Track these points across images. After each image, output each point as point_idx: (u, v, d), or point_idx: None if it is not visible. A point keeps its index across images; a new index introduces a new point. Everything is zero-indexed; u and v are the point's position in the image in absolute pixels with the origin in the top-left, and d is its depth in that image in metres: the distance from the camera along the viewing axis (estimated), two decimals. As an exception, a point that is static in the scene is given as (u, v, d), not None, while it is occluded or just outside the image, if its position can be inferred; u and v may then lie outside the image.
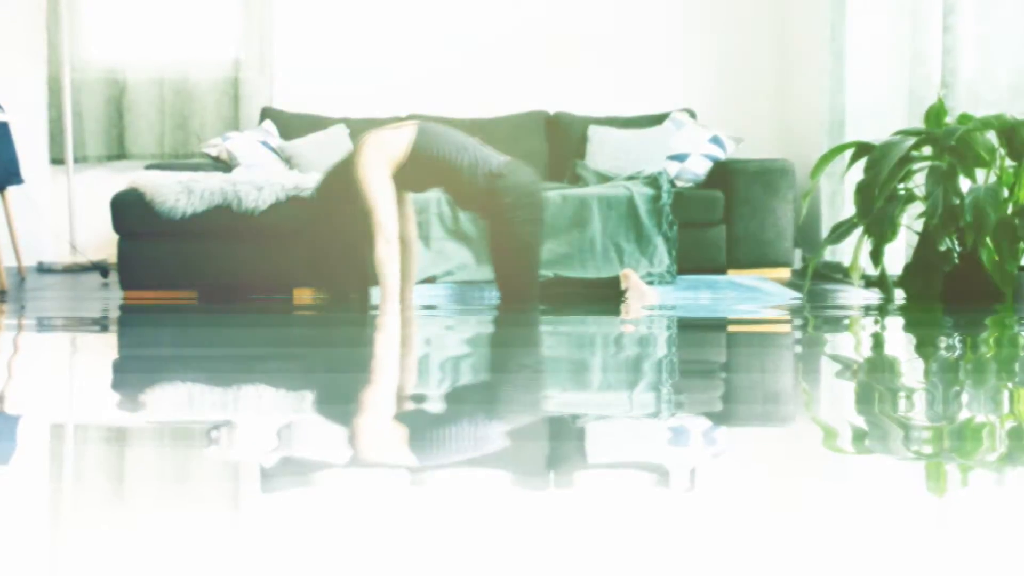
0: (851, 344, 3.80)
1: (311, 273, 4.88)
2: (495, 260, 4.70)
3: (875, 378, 3.07)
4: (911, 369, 3.26)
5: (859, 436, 2.36)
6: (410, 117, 6.54)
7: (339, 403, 2.75)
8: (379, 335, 4.14)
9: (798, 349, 3.74)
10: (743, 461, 2.20)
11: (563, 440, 2.36)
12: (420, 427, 2.50)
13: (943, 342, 3.75)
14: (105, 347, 4.01)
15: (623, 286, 4.76)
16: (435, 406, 2.73)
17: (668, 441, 2.33)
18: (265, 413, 2.65)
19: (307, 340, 4.10)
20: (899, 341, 3.94)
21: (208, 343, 3.96)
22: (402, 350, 3.72)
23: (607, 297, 4.76)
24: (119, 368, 3.44)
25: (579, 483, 2.03)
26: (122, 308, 4.87)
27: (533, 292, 4.68)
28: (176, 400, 2.83)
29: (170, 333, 4.31)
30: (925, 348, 3.66)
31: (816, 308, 4.60)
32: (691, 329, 4.18)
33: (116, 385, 3.10)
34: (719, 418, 2.56)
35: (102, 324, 4.52)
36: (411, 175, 4.58)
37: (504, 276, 4.69)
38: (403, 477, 2.07)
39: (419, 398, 2.86)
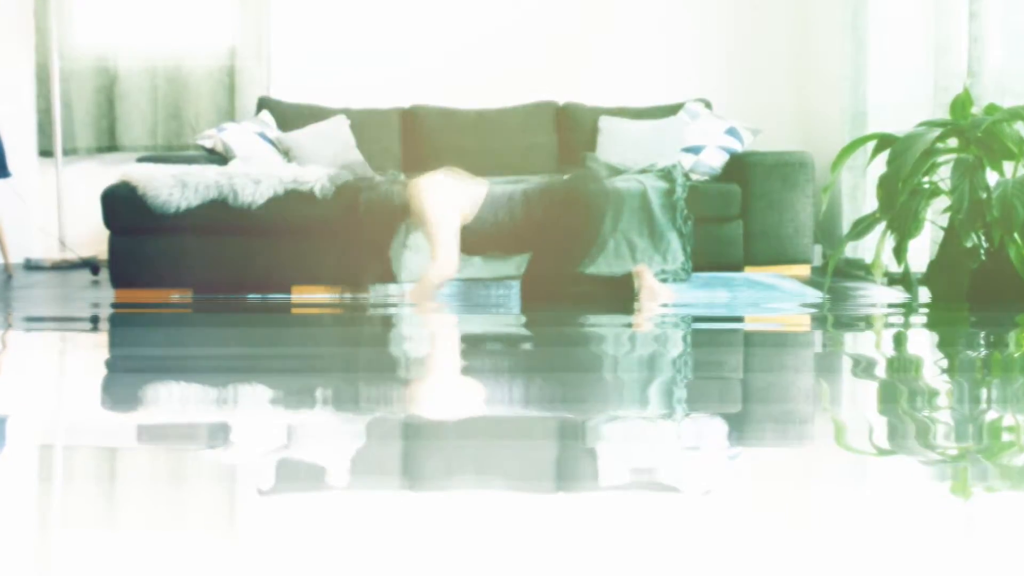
0: (876, 350, 3.81)
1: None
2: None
3: (900, 382, 3.08)
4: (940, 379, 3.27)
5: (884, 452, 2.37)
6: (413, 108, 6.56)
7: (342, 406, 2.77)
8: (393, 334, 4.16)
9: (823, 358, 3.74)
10: (760, 474, 2.21)
11: (572, 447, 2.37)
12: (426, 431, 2.52)
13: (971, 346, 3.75)
14: (95, 350, 4.03)
15: (636, 284, 4.77)
16: (443, 409, 2.75)
17: (684, 454, 2.34)
18: (264, 420, 2.66)
19: (308, 341, 4.11)
20: (928, 349, 3.94)
21: (203, 345, 3.98)
22: (412, 351, 3.74)
23: (619, 296, 4.77)
24: (109, 374, 3.46)
25: (590, 494, 2.04)
26: (113, 308, 4.89)
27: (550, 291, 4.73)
28: (169, 407, 2.84)
29: (163, 335, 4.33)
30: (952, 352, 3.66)
31: (838, 309, 4.60)
32: (707, 334, 4.19)
33: (106, 391, 3.11)
34: (735, 429, 2.57)
35: (92, 325, 4.54)
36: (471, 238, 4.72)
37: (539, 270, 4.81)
38: (408, 485, 2.09)
39: (425, 401, 2.87)
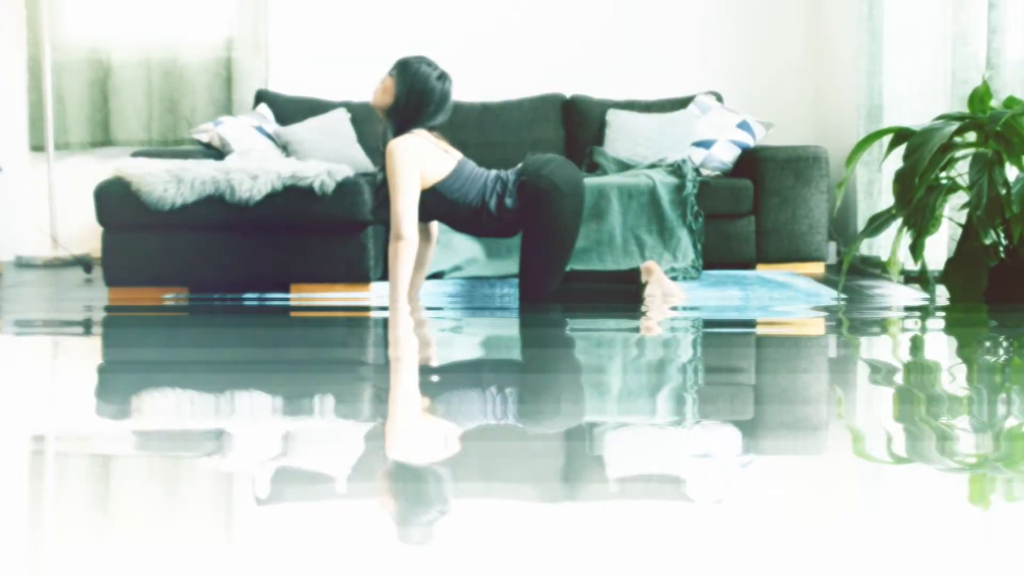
0: (893, 354, 3.81)
1: None
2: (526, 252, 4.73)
3: (917, 388, 3.09)
4: (959, 385, 3.27)
5: (901, 460, 2.38)
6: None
7: (342, 410, 2.78)
8: (387, 337, 4.17)
9: (838, 363, 3.74)
10: (776, 485, 2.22)
11: (580, 459, 2.38)
12: (426, 435, 2.53)
13: (992, 350, 3.76)
14: (87, 353, 4.04)
15: (644, 279, 4.76)
16: (442, 414, 2.76)
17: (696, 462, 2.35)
18: (263, 427, 2.67)
19: (308, 342, 4.12)
20: (947, 353, 3.95)
21: (200, 345, 3.99)
22: (408, 353, 3.75)
23: (626, 292, 4.76)
24: (102, 378, 3.46)
25: (598, 509, 2.05)
26: (106, 308, 4.90)
27: (553, 289, 4.69)
28: (165, 414, 2.85)
29: (158, 335, 4.34)
30: (972, 357, 3.67)
31: (853, 309, 4.60)
32: (720, 336, 4.20)
33: (99, 397, 3.11)
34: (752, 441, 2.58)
35: (85, 326, 4.55)
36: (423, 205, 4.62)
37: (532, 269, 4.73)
38: (414, 491, 2.10)
39: (425, 403, 2.88)
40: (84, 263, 6.33)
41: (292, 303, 4.94)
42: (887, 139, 4.93)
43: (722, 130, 6.32)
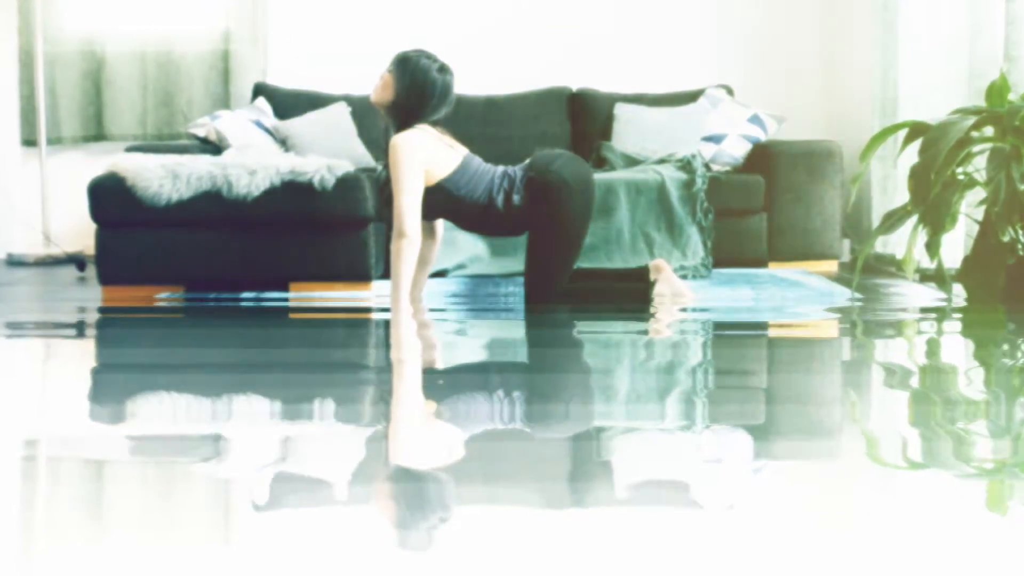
0: (910, 358, 3.81)
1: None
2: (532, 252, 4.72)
3: (936, 394, 3.09)
4: (979, 392, 3.27)
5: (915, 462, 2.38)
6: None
7: (342, 413, 2.79)
8: (390, 338, 4.18)
9: (853, 367, 3.75)
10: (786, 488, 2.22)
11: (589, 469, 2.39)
12: (429, 439, 2.54)
13: (1011, 355, 3.76)
14: (80, 354, 4.04)
15: (652, 277, 4.77)
16: (445, 417, 2.77)
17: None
18: (261, 431, 2.68)
19: (307, 342, 4.13)
20: (966, 358, 3.95)
21: (196, 346, 3.99)
22: (411, 354, 3.75)
23: (635, 291, 4.76)
24: (96, 380, 3.47)
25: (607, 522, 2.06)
26: (100, 307, 4.91)
27: (560, 289, 4.69)
28: (160, 417, 2.85)
29: (153, 336, 4.34)
30: (992, 364, 3.67)
31: (870, 311, 4.60)
32: (733, 338, 4.20)
33: (93, 400, 3.12)
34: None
35: (78, 326, 4.56)
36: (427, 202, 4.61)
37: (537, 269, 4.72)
38: (417, 498, 2.11)
39: (428, 404, 2.89)
40: (77, 261, 6.34)
41: (291, 302, 4.94)
42: (902, 134, 4.94)
43: (733, 124, 6.33)
